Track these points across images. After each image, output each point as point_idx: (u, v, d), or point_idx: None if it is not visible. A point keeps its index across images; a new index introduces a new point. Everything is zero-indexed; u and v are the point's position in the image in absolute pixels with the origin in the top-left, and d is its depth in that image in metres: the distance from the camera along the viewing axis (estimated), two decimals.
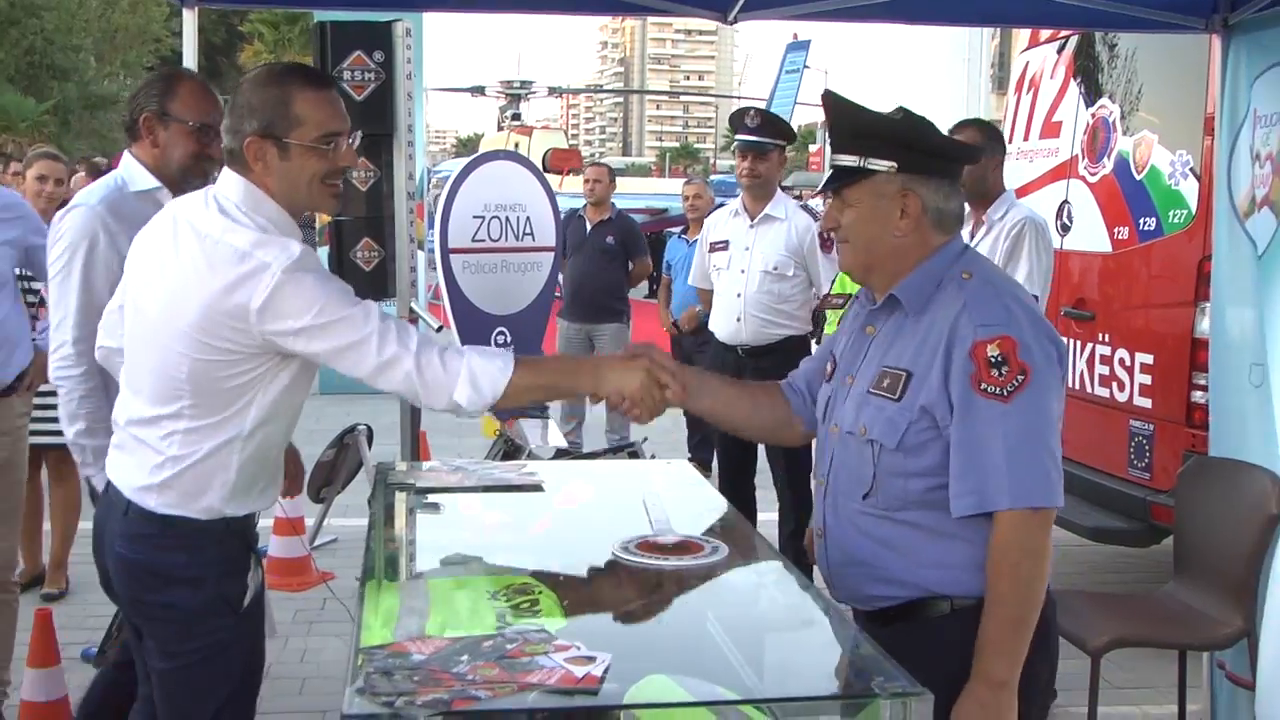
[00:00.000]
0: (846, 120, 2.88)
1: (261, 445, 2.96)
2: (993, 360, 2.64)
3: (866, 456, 2.81)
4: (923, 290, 2.82)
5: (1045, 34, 7.36)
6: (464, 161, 7.56)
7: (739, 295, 6.54)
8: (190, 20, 5.43)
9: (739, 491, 6.38)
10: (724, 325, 6.65)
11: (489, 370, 2.89)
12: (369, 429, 6.70)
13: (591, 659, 2.21)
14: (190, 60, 5.40)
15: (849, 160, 2.83)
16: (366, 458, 6.61)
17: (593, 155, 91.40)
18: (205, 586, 2.94)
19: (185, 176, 3.85)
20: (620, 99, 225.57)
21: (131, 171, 3.89)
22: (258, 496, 3.05)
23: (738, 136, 6.60)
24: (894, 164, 2.77)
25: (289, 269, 2.77)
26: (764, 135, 6.48)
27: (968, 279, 2.79)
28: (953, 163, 2.90)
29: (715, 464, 7.23)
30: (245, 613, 3.03)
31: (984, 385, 2.65)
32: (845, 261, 3.00)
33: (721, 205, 7.93)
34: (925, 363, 2.74)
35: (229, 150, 2.99)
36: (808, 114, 43.06)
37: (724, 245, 6.71)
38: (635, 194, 27.28)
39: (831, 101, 2.93)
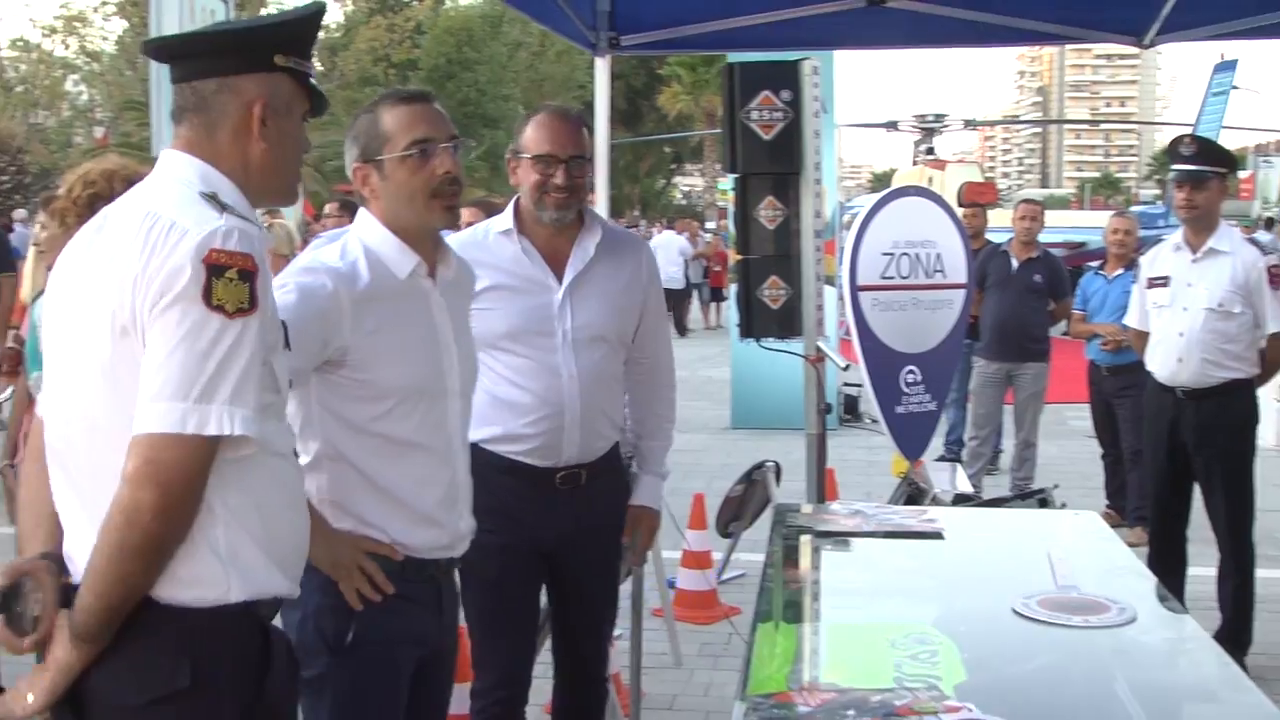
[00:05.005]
0: None
1: None
2: None
3: None
4: None
5: None
6: (874, 198, 7.52)
7: (1181, 334, 6.09)
8: (602, 68, 5.63)
9: (1170, 542, 6.07)
10: (1163, 365, 6.22)
11: None
12: (777, 465, 6.75)
13: None
14: (602, 105, 5.61)
15: None
16: (774, 494, 6.67)
17: (1009, 188, 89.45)
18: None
19: None
20: (1039, 129, 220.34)
21: None
22: None
23: (1173, 166, 6.28)
24: None
25: None
26: (1200, 163, 6.11)
27: None
28: None
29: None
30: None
31: None
32: None
33: (1157, 239, 7.54)
34: None
35: None
36: (1237, 138, 40.79)
37: (1164, 281, 6.31)
38: (1052, 227, 26.47)
39: None
